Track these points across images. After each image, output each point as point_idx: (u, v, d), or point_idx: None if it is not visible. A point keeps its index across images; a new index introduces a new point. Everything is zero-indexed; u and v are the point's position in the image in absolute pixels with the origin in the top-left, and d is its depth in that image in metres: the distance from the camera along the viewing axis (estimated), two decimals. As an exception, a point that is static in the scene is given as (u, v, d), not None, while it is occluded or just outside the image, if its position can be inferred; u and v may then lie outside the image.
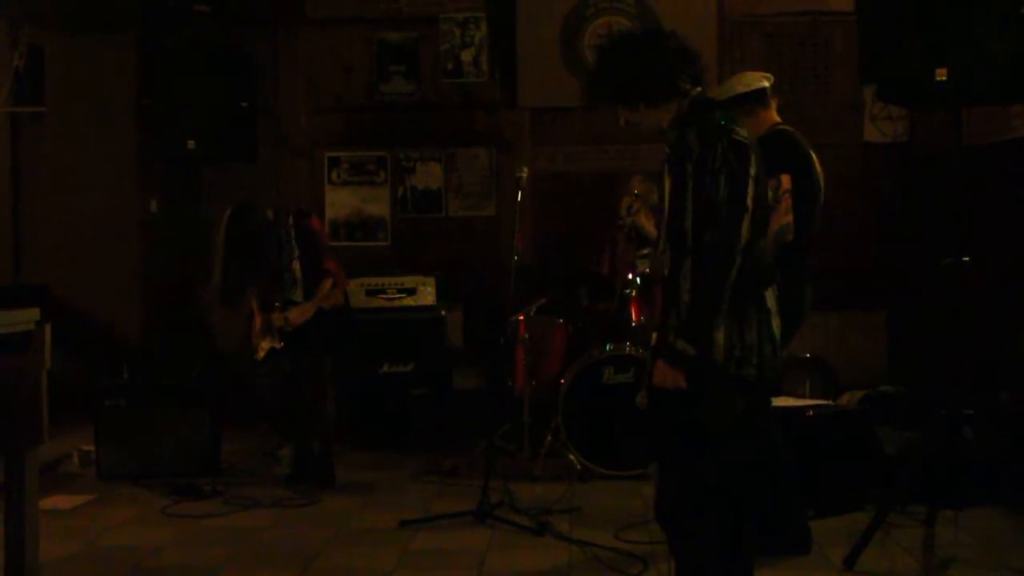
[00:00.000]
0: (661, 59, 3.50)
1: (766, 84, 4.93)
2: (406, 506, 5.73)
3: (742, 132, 3.41)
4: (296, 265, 6.19)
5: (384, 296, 7.58)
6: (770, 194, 3.85)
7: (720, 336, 3.35)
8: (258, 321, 6.28)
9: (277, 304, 6.19)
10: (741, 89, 4.88)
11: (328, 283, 6.27)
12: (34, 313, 4.07)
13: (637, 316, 6.56)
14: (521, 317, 6.79)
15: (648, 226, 6.75)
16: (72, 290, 7.72)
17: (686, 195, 3.36)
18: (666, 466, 3.61)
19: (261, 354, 6.26)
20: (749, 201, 3.32)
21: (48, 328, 4.14)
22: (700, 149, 3.34)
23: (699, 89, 3.53)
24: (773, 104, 4.97)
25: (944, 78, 4.91)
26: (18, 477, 3.94)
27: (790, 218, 4.61)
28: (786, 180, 4.60)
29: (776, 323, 3.50)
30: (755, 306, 3.43)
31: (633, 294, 6.60)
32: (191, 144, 6.76)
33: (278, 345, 6.20)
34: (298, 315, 6.17)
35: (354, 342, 6.74)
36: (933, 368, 5.55)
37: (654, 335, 3.56)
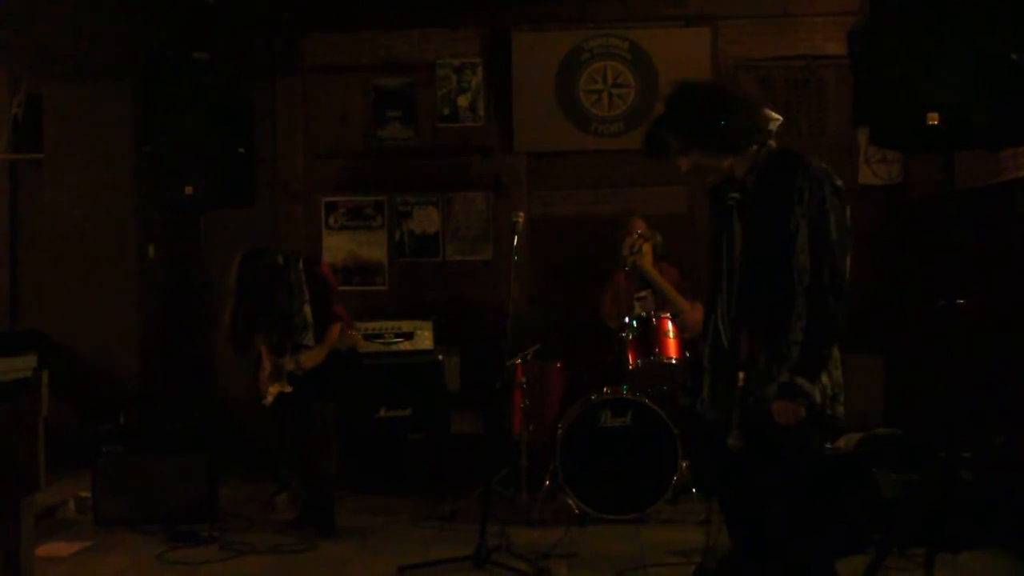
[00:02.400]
0: (742, 107, 3.62)
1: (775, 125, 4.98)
2: (404, 552, 5.71)
3: (838, 177, 3.58)
4: (307, 309, 6.17)
5: (381, 340, 7.58)
6: None
7: (824, 375, 3.44)
8: (267, 366, 6.26)
9: (288, 348, 6.18)
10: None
11: (337, 327, 6.26)
12: (31, 360, 4.08)
13: (634, 360, 6.56)
14: (518, 361, 6.80)
15: (648, 267, 6.54)
16: (70, 336, 7.74)
17: (789, 236, 3.47)
18: (773, 503, 3.60)
19: (269, 399, 6.23)
20: (849, 242, 3.48)
21: (45, 375, 4.15)
22: (809, 193, 3.49)
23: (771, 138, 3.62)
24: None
25: (937, 122, 4.96)
26: (14, 524, 3.93)
27: None
28: None
29: None
30: (837, 345, 3.50)
31: (630, 337, 6.59)
32: (189, 190, 6.77)
33: (287, 389, 6.17)
34: (309, 358, 6.15)
35: (360, 387, 6.71)
36: (930, 410, 5.54)
37: (742, 375, 3.56)
